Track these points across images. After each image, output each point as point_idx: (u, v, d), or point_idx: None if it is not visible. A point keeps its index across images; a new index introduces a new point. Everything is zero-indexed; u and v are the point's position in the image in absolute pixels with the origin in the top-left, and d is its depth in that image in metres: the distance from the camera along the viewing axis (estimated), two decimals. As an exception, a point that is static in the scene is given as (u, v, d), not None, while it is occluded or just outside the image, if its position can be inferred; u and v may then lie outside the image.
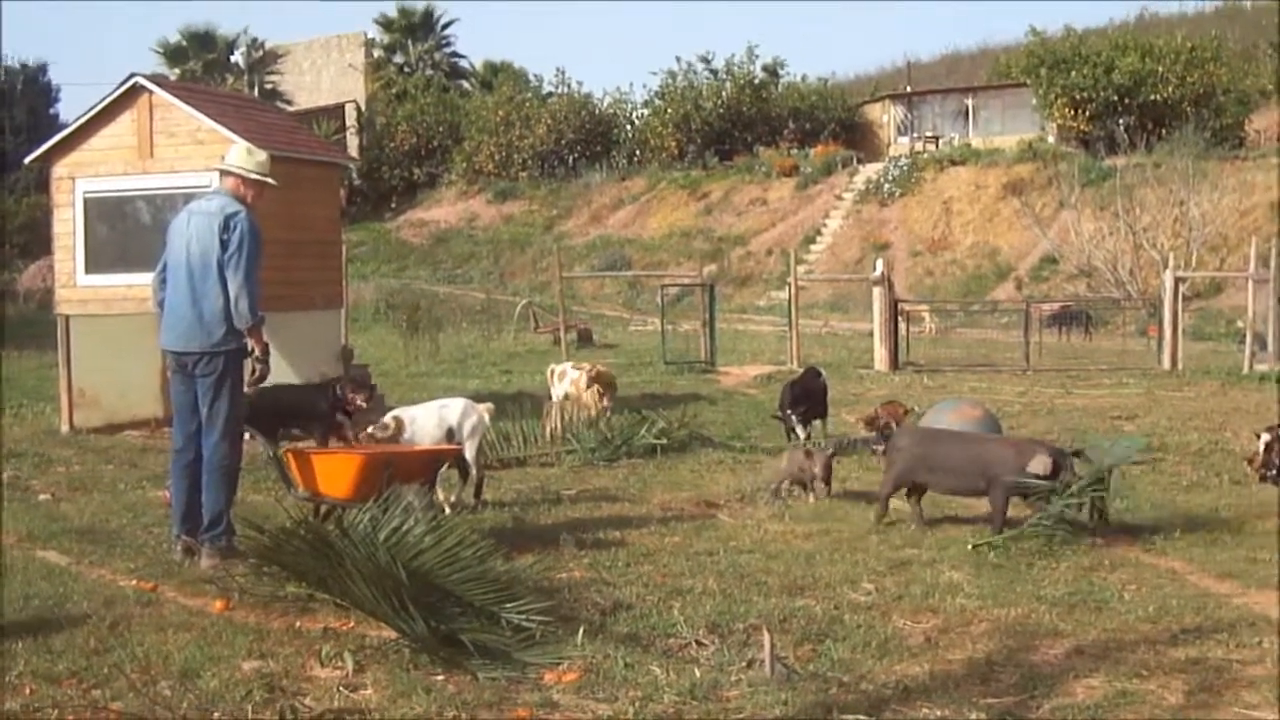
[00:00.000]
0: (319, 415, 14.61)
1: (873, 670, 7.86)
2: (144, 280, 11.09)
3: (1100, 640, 8.52)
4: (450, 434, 13.19)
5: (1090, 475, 11.44)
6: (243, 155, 11.08)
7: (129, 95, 18.00)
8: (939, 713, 7.14)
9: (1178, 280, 31.70)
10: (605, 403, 17.87)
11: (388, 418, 13.60)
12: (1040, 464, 11.30)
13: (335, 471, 10.91)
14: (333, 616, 8.60)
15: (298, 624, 8.63)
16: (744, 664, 7.76)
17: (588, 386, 18.08)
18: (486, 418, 13.70)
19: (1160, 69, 55.34)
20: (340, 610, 8.55)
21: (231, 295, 10.40)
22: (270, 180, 11.14)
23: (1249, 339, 30.01)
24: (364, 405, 14.98)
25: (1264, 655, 8.22)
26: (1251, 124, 55.51)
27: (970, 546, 11.07)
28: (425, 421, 13.34)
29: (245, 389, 11.04)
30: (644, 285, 41.93)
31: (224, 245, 10.41)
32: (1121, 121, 54.75)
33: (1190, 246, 42.79)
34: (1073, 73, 56.08)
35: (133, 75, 18.11)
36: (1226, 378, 26.90)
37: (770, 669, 7.65)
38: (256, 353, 10.77)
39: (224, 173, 10.91)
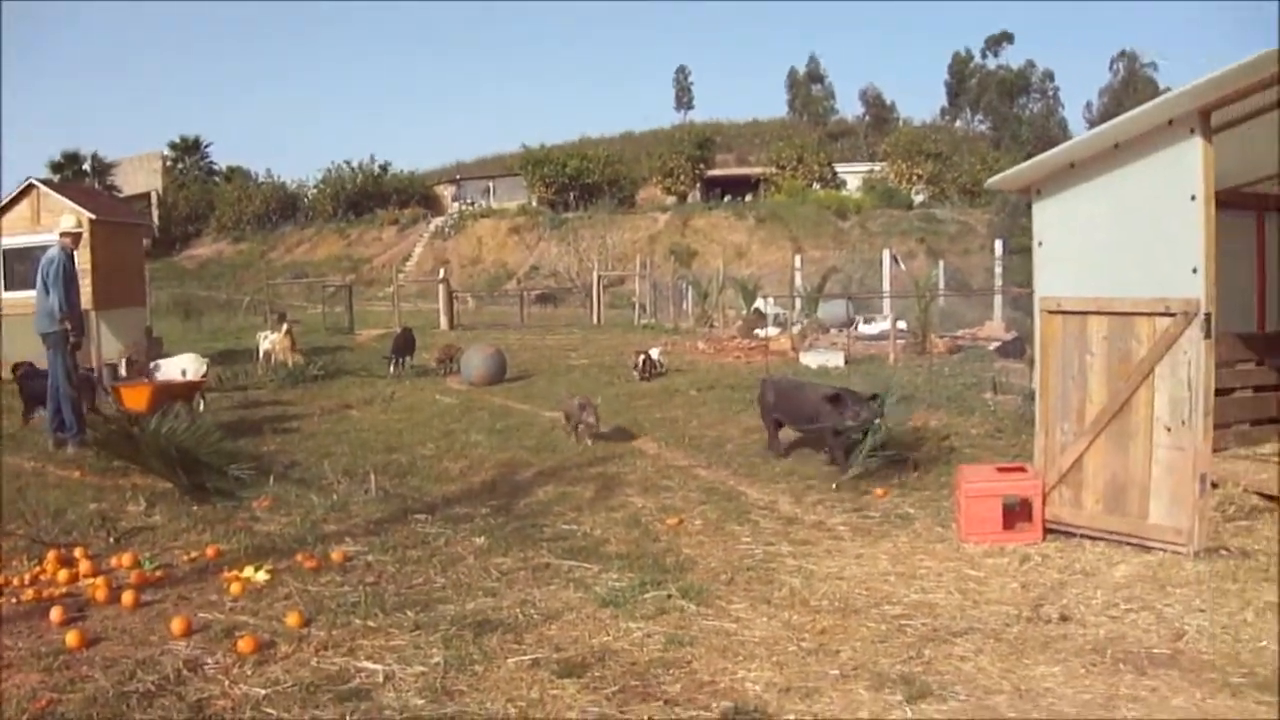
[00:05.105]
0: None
1: (431, 490, 8.24)
2: (31, 294, 10.67)
3: (552, 467, 9.07)
4: (184, 373, 13.00)
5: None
6: (64, 222, 10.73)
7: (27, 190, 16.77)
8: (465, 510, 7.51)
9: (600, 277, 33.30)
10: (294, 353, 17.60)
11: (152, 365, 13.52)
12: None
13: (137, 396, 10.67)
14: (138, 477, 8.46)
15: (119, 482, 8.47)
16: (363, 491, 8.01)
17: (287, 343, 17.77)
18: (204, 367, 13.44)
19: (591, 165, 56.48)
20: (142, 473, 8.42)
21: (50, 299, 10.08)
22: (81, 230, 10.95)
23: (636, 307, 31.75)
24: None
25: (638, 469, 8.91)
26: (639, 195, 57.37)
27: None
28: (170, 367, 13.17)
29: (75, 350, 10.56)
30: (315, 287, 40.29)
31: (46, 273, 10.14)
32: (572, 194, 55.57)
33: (608, 260, 44.05)
34: (545, 167, 56.55)
35: (28, 178, 16.93)
36: (627, 327, 28.02)
37: (375, 493, 7.97)
38: (70, 329, 10.30)
39: (60, 234, 10.49)
